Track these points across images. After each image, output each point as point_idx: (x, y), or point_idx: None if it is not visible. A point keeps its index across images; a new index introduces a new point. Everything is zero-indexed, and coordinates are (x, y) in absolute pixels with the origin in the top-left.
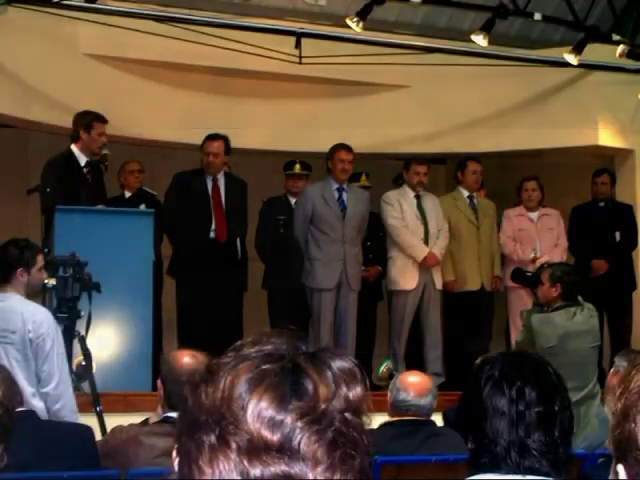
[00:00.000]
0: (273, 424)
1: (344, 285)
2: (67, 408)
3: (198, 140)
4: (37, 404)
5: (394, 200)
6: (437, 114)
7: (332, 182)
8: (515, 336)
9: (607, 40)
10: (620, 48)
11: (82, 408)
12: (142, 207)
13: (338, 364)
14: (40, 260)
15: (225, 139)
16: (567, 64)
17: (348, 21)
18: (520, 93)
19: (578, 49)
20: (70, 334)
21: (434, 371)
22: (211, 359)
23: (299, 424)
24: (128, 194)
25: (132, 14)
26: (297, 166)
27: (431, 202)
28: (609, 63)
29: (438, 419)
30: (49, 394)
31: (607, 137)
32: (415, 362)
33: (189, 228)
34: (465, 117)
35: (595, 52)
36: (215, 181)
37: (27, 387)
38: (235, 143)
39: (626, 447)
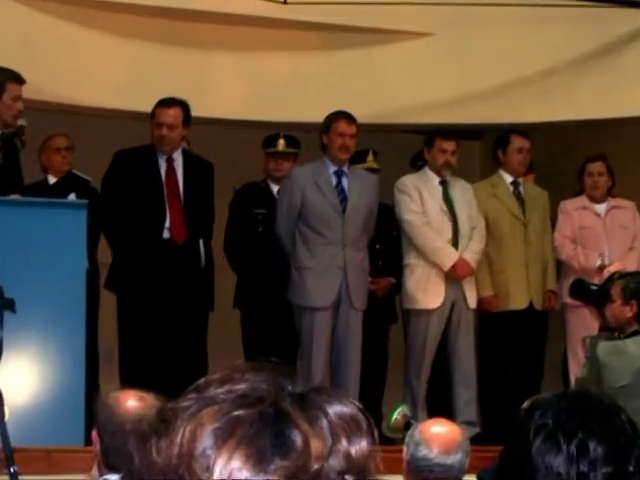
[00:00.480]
0: None
1: (344, 303)
2: None
3: (147, 107)
4: None
5: (412, 188)
6: (469, 72)
7: (328, 163)
8: (575, 371)
9: None
10: None
11: None
12: (72, 197)
13: (336, 409)
14: None
15: (183, 105)
16: None
17: None
18: (581, 44)
19: None
20: None
21: (466, 419)
22: (165, 402)
23: None
24: (53, 179)
25: None
26: (281, 142)
27: (462, 190)
28: None
29: None
30: None
31: None
32: (440, 407)
33: (135, 226)
34: (507, 76)
35: None
36: (170, 162)
37: None
38: (197, 111)
39: None
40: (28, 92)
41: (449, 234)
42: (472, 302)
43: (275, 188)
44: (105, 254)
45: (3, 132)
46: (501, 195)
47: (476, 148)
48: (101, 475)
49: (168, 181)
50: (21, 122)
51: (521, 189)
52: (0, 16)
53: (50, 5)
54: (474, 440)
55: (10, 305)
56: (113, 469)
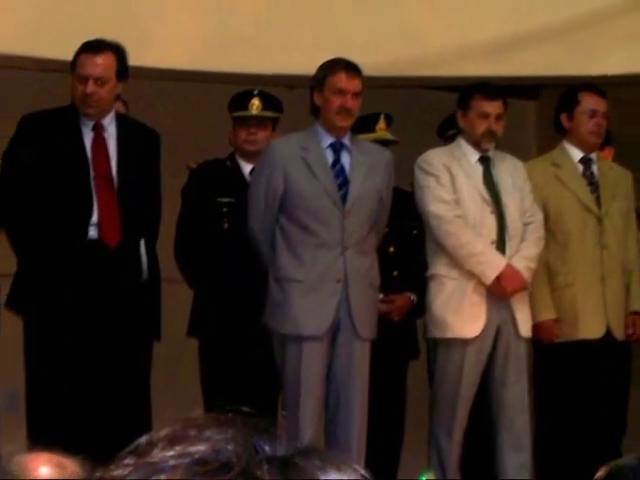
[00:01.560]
0: None
1: (345, 330)
2: None
3: (65, 54)
4: None
5: (441, 167)
6: (521, 5)
7: (322, 133)
8: None
9: None
10: None
11: None
12: None
13: (333, 479)
14: None
15: (117, 51)
16: None
17: None
18: None
19: None
20: None
21: None
22: (91, 470)
23: None
24: None
25: None
26: (255, 102)
27: (511, 171)
28: None
29: None
30: None
31: None
32: (481, 474)
33: (49, 222)
34: (574, 9)
35: None
36: (99, 130)
37: None
38: (136, 59)
39: None
40: None
41: (492, 233)
42: (525, 329)
43: (247, 168)
44: (6, 262)
45: None
46: (566, 178)
47: (531, 111)
48: None
49: (95, 158)
50: None
51: (594, 169)
52: None
53: None
54: None
55: None
56: None
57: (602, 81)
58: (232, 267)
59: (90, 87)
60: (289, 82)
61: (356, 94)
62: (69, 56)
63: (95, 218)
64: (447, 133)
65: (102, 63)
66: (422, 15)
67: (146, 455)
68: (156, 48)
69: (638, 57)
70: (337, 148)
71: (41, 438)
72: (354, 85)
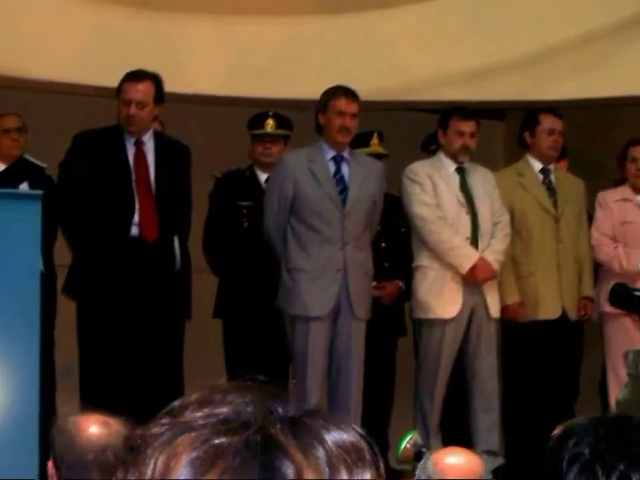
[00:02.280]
0: None
1: (344, 311)
2: None
3: (112, 82)
4: None
5: (424, 176)
6: (491, 40)
7: (325, 148)
8: (616, 391)
9: None
10: None
11: None
12: (24, 186)
13: (335, 437)
14: None
15: (155, 80)
16: None
17: None
18: (621, 8)
19: None
20: None
21: (487, 448)
22: (133, 429)
23: None
24: (2, 166)
25: None
26: (270, 122)
27: (482, 179)
28: None
29: None
30: None
31: None
32: (457, 433)
33: (98, 221)
34: (535, 45)
35: None
36: (140, 146)
37: None
38: (171, 86)
39: None
40: None
41: (467, 231)
42: (494, 311)
43: (263, 176)
44: (63, 255)
45: None
46: (529, 185)
47: (499, 130)
48: None
49: (137, 168)
50: None
51: (552, 178)
52: None
53: None
54: (497, 473)
55: None
56: None
57: (558, 105)
58: (250, 259)
59: (132, 110)
60: (298, 105)
61: (354, 115)
62: (115, 83)
63: (136, 218)
64: (429, 148)
65: (142, 89)
66: (408, 51)
67: (179, 416)
68: (188, 77)
69: (588, 85)
70: (338, 160)
71: (91, 402)
72: (352, 108)
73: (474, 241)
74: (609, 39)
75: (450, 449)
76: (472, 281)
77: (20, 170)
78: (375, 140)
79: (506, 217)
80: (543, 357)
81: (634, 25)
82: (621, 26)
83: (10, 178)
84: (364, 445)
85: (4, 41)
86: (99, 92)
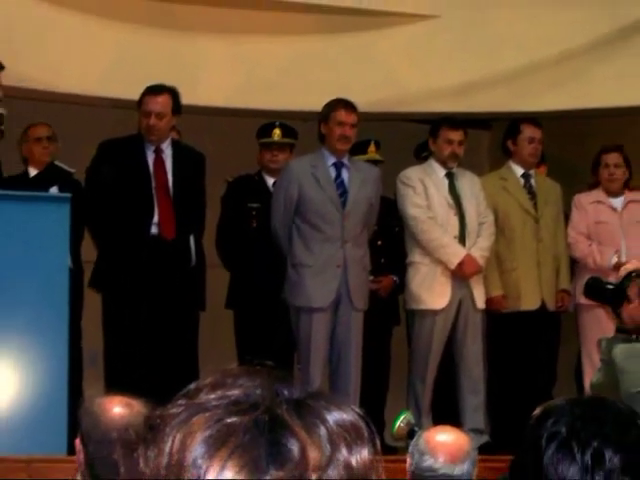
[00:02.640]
0: None
1: (344, 303)
2: None
3: (134, 94)
4: None
5: (416, 180)
6: (477, 57)
7: (327, 155)
8: (590, 376)
9: None
10: None
11: None
12: (54, 190)
13: (335, 416)
14: None
15: (172, 93)
16: None
17: None
18: (596, 27)
19: None
20: None
21: (473, 426)
22: (153, 409)
23: None
24: (34, 171)
25: None
26: (276, 131)
27: (469, 183)
28: None
29: None
30: None
31: None
32: (446, 413)
33: (121, 221)
34: (517, 61)
35: None
36: (158, 153)
37: None
38: (187, 98)
39: None
40: (7, 79)
41: (456, 230)
42: (480, 302)
43: (270, 181)
44: (89, 252)
45: None
46: (511, 188)
47: (485, 138)
48: None
49: (156, 173)
50: (0, 111)
51: (532, 182)
52: None
53: None
54: (482, 449)
55: None
56: (98, 479)
57: (538, 115)
58: (259, 256)
59: (152, 120)
60: (302, 116)
61: (353, 125)
62: (136, 97)
63: (156, 219)
64: (421, 155)
65: (161, 102)
66: (401, 67)
67: (194, 397)
68: (202, 91)
69: (564, 98)
70: (338, 166)
71: (115, 386)
72: (351, 118)
73: (462, 239)
74: (583, 57)
75: (440, 428)
76: (460, 275)
77: (50, 175)
78: (372, 148)
79: (491, 217)
80: (524, 345)
81: (605, 45)
82: (593, 46)
83: (41, 182)
84: (362, 424)
85: (36, 58)
86: (121, 104)
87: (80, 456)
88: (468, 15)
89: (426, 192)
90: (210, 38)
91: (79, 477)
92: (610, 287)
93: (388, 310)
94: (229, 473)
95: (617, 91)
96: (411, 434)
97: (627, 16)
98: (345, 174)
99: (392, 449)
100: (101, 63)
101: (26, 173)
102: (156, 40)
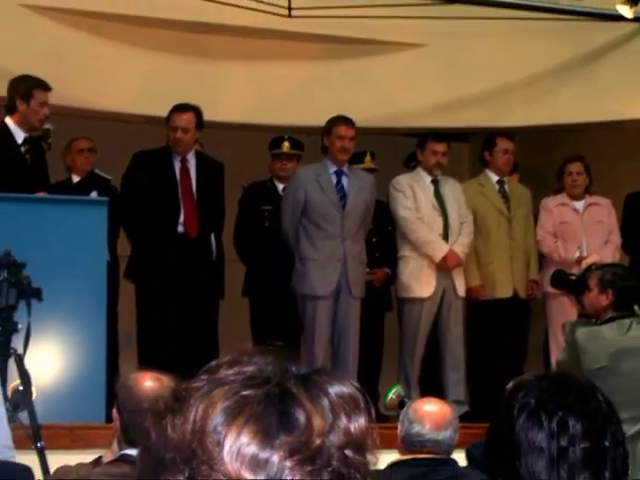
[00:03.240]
0: (256, 463)
1: (344, 291)
2: (0, 444)
3: (163, 112)
4: None
5: (406, 186)
6: (458, 80)
7: (329, 164)
8: (556, 354)
9: None
10: None
11: (19, 444)
12: (94, 194)
13: (336, 389)
14: None
15: (196, 110)
16: (620, 18)
17: None
18: (561, 54)
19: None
20: (4, 352)
21: (455, 398)
22: (179, 383)
23: (288, 463)
24: (76, 178)
25: None
26: (285, 144)
27: (452, 188)
28: None
29: (460, 457)
30: None
31: None
32: (432, 387)
33: (152, 221)
34: (493, 83)
35: None
36: (184, 162)
37: None
38: (209, 115)
39: None
40: (54, 98)
41: (440, 229)
42: (461, 291)
43: (280, 186)
44: (124, 247)
45: (31, 135)
46: (488, 193)
47: (465, 150)
48: (121, 450)
49: (182, 180)
50: (47, 126)
51: (506, 187)
52: (31, 30)
53: (75, 19)
54: (463, 418)
55: (37, 294)
56: (132, 444)
57: (511, 130)
58: (271, 251)
59: (179, 134)
60: (308, 131)
61: (351, 139)
62: (165, 114)
63: (182, 219)
64: (410, 164)
65: (186, 118)
66: (394, 88)
67: (215, 373)
68: (222, 109)
69: (534, 114)
70: (339, 174)
71: (146, 363)
72: (350, 133)
73: (445, 237)
74: (550, 80)
75: (427, 399)
76: (444, 268)
77: (91, 181)
78: (368, 158)
79: (470, 218)
80: (499, 327)
81: (569, 69)
82: (559, 70)
83: (83, 188)
84: (359, 396)
85: (79, 81)
86: (152, 121)
87: (116, 423)
88: (451, 44)
89: (414, 196)
90: (229, 64)
91: (115, 442)
92: (573, 278)
93: (382, 298)
94: (245, 438)
95: (579, 109)
96: (401, 404)
97: (588, 43)
98: (345, 181)
99: (385, 418)
100: (135, 85)
101: (70, 180)
102: (182, 65)
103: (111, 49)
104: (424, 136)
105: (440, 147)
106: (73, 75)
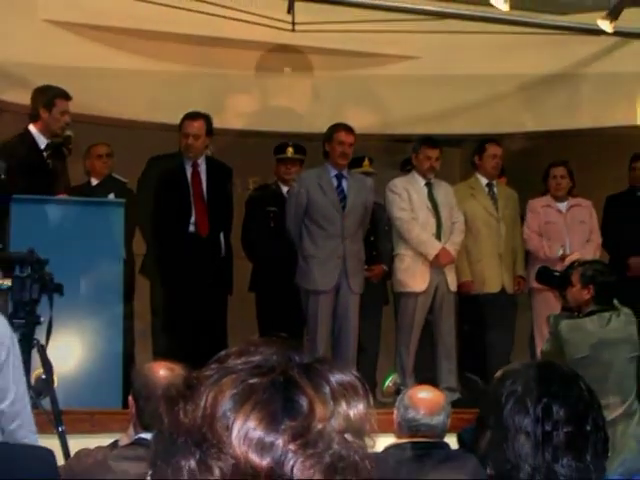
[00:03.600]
0: (262, 447)
1: (344, 286)
2: (25, 428)
3: (175, 120)
4: None
5: (401, 189)
6: (451, 90)
7: (330, 168)
8: (541, 345)
9: None
10: None
11: (42, 428)
12: (111, 196)
13: (337, 377)
14: None
15: (206, 118)
16: (601, 32)
17: None
18: (547, 66)
19: (614, 15)
20: (28, 343)
21: (447, 385)
22: (191, 372)
23: (292, 447)
24: (95, 181)
25: None
26: (290, 149)
27: (444, 191)
28: None
29: (452, 441)
30: (4, 412)
31: None
32: (426, 375)
33: (165, 221)
34: (483, 93)
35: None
36: (195, 166)
37: None
38: (218, 123)
39: None
40: (75, 107)
41: (433, 228)
42: (453, 286)
43: (285, 189)
44: (140, 246)
45: (52, 141)
46: (478, 195)
47: (457, 155)
48: (136, 434)
49: (193, 183)
50: (68, 133)
51: (495, 190)
52: (54, 43)
53: (94, 33)
54: (454, 404)
55: (59, 289)
56: (146, 429)
57: (499, 137)
58: (276, 249)
59: (190, 141)
60: (310, 137)
61: (351, 144)
62: (177, 122)
63: (193, 219)
64: (406, 168)
65: (197, 126)
66: (390, 98)
67: (224, 362)
68: (230, 116)
69: (521, 122)
70: (339, 177)
71: (160, 353)
72: (350, 139)
73: (438, 236)
74: (536, 89)
75: (421, 387)
76: (437, 264)
77: (108, 184)
78: (366, 162)
79: (461, 218)
80: (488, 320)
81: (554, 79)
82: (545, 79)
83: (101, 190)
84: (358, 384)
85: (98, 90)
86: (165, 128)
87: (132, 409)
88: (444, 56)
89: (409, 198)
90: (237, 75)
91: (131, 426)
92: (557, 274)
93: (379, 293)
94: (252, 423)
95: (564, 117)
96: (397, 392)
97: (572, 56)
98: (345, 183)
99: (382, 404)
100: (149, 95)
101: (89, 183)
102: (193, 76)
103: (127, 60)
104: (418, 142)
105: (433, 152)
106: (92, 85)
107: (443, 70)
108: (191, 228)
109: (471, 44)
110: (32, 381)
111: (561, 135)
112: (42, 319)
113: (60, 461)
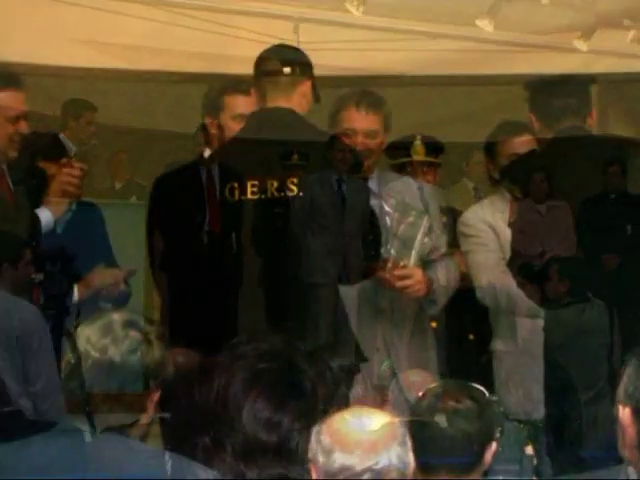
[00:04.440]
0: (270, 425)
1: (344, 279)
2: (55, 408)
3: (191, 129)
4: (25, 404)
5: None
6: (441, 104)
7: (331, 173)
8: None
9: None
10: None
11: (71, 409)
12: (133, 199)
13: (337, 363)
14: (27, 254)
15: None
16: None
17: (347, 4)
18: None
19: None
20: (59, 332)
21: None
22: (205, 358)
23: (297, 425)
24: (118, 185)
25: None
26: (295, 156)
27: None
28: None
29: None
30: (37, 394)
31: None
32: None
33: (181, 221)
34: (471, 106)
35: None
36: (209, 171)
37: (14, 386)
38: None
39: None
40: (101, 118)
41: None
42: (443, 280)
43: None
44: (158, 242)
45: (80, 148)
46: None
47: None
48: (156, 414)
49: (208, 186)
50: (94, 141)
51: (481, 194)
52: (78, 59)
53: (112, 50)
54: None
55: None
56: (164, 410)
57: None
58: (282, 246)
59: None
60: (313, 146)
61: (351, 151)
62: (192, 131)
63: (207, 219)
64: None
65: None
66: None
67: (235, 349)
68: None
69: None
70: (339, 181)
71: (176, 342)
72: (349, 147)
73: None
74: (520, 100)
75: (413, 371)
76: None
77: (130, 188)
78: (366, 167)
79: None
80: (476, 311)
81: (542, 87)
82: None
83: (124, 193)
84: (356, 369)
85: (119, 103)
86: (181, 136)
87: (152, 392)
88: (436, 72)
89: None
90: (238, 97)
91: (151, 407)
92: (536, 269)
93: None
94: (260, 404)
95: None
96: (392, 376)
97: (551, 71)
98: (344, 187)
99: (378, 387)
100: (166, 107)
101: (113, 186)
102: (205, 91)
103: (143, 76)
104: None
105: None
106: (116, 100)
107: (435, 84)
108: (205, 226)
109: (461, 59)
110: (62, 366)
111: (540, 143)
112: (71, 310)
113: (88, 438)
